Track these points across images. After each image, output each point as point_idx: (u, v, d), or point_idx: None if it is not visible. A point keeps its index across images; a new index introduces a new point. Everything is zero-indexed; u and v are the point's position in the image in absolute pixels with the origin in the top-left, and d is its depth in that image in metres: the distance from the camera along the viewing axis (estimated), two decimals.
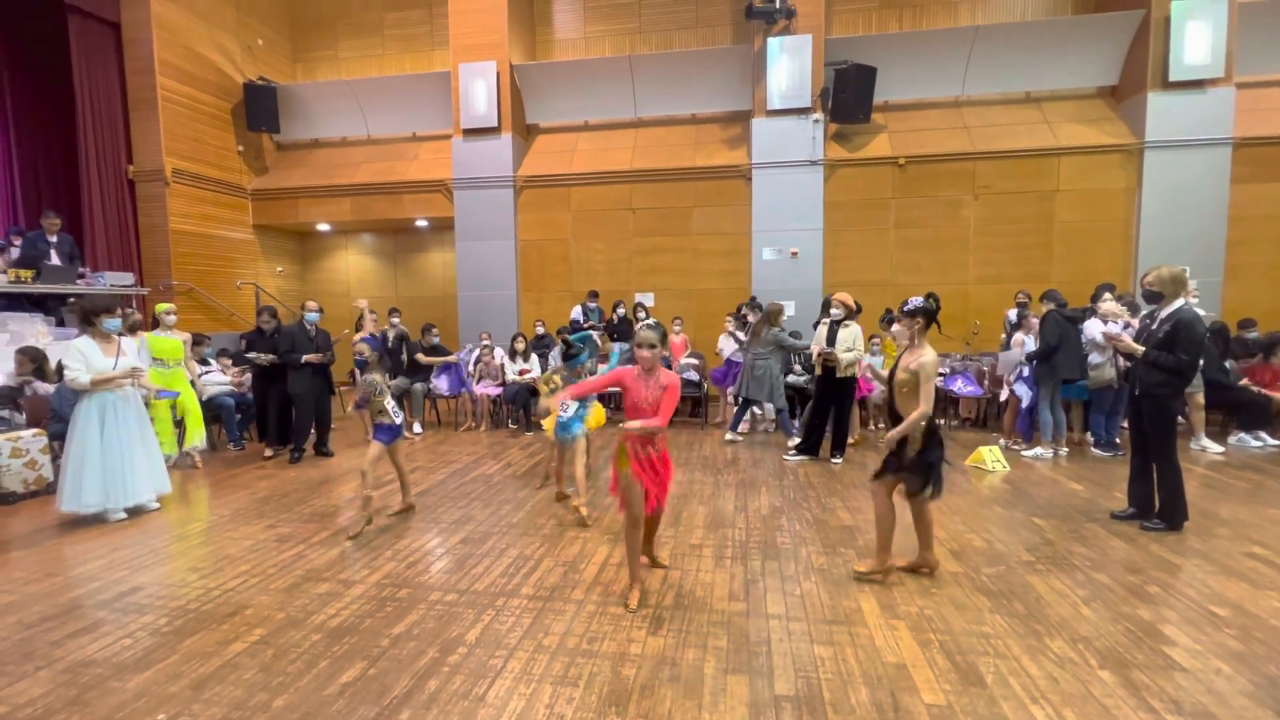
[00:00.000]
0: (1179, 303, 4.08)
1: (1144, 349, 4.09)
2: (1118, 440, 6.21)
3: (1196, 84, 8.39)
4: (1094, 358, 6.08)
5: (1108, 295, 6.15)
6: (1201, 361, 5.32)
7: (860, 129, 9.39)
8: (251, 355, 6.42)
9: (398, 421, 4.38)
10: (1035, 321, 6.19)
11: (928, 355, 3.19)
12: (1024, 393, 6.36)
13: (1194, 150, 8.43)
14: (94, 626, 3.02)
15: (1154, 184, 8.56)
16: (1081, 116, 9.11)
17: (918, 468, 3.24)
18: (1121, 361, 5.85)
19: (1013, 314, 7.60)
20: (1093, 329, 5.98)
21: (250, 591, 3.37)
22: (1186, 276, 4.22)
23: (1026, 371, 6.28)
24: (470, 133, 9.93)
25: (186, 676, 2.58)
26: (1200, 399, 6.23)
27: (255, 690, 2.48)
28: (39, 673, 2.62)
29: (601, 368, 5.45)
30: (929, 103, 9.63)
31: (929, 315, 3.24)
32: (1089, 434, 6.52)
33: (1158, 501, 4.15)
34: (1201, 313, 4.75)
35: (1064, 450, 6.13)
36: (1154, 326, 4.15)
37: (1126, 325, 5.57)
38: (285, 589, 3.40)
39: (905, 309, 3.27)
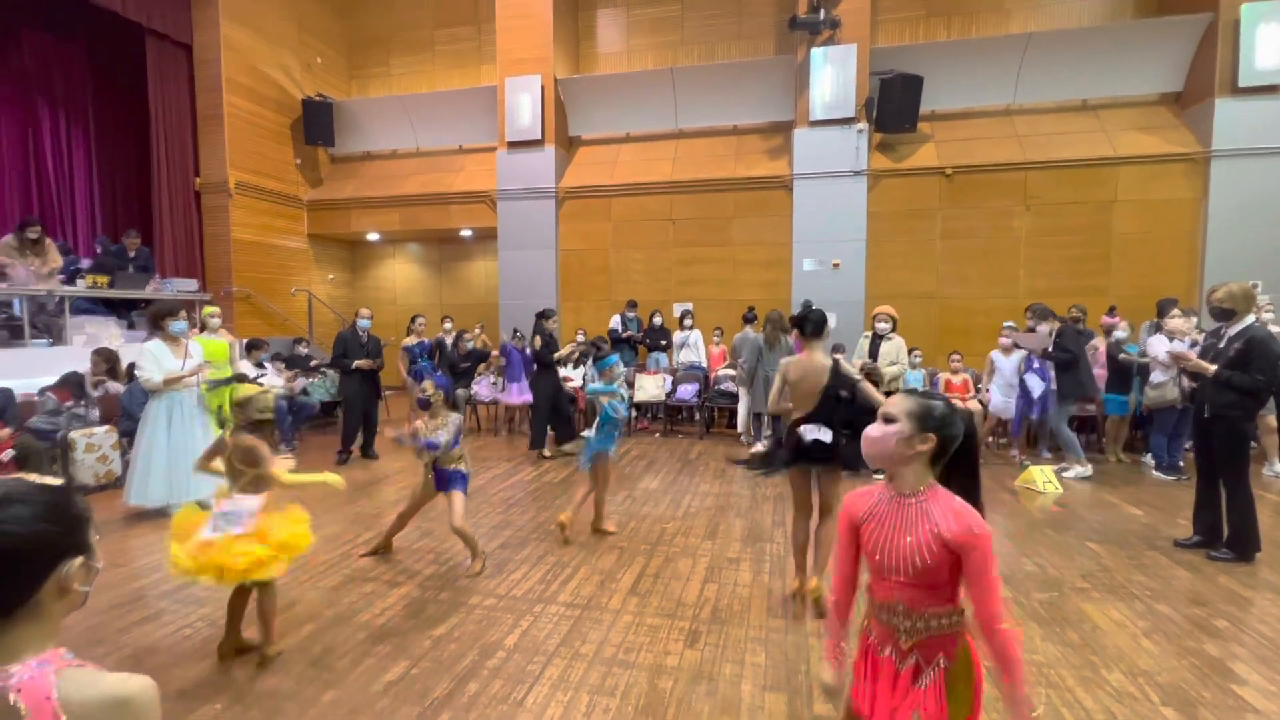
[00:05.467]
0: (1249, 319, 3.86)
1: (1216, 368, 3.88)
2: (1180, 464, 5.90)
3: (1269, 89, 7.96)
4: (1156, 376, 5.81)
5: (1176, 311, 5.86)
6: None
7: (906, 139, 9.22)
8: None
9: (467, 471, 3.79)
10: (1042, 330, 6.00)
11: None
12: (1034, 384, 6.28)
13: (1265, 159, 7.98)
14: (156, 615, 3.18)
15: (1222, 194, 8.13)
16: (1142, 124, 8.73)
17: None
18: (1185, 381, 5.56)
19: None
20: (1156, 346, 5.71)
21: (300, 588, 3.50)
22: (1257, 292, 4.01)
23: (1038, 364, 6.24)
24: (514, 145, 10.15)
25: (241, 667, 2.70)
26: (1272, 421, 5.86)
27: (305, 684, 2.57)
28: (107, 658, 2.77)
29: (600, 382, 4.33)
30: (978, 111, 9.39)
31: (793, 324, 3.41)
32: (1149, 455, 6.22)
33: (1226, 530, 3.92)
34: (1275, 329, 4.49)
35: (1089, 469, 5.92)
36: (1221, 345, 3.94)
37: (1193, 344, 5.30)
38: (333, 587, 3.52)
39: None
